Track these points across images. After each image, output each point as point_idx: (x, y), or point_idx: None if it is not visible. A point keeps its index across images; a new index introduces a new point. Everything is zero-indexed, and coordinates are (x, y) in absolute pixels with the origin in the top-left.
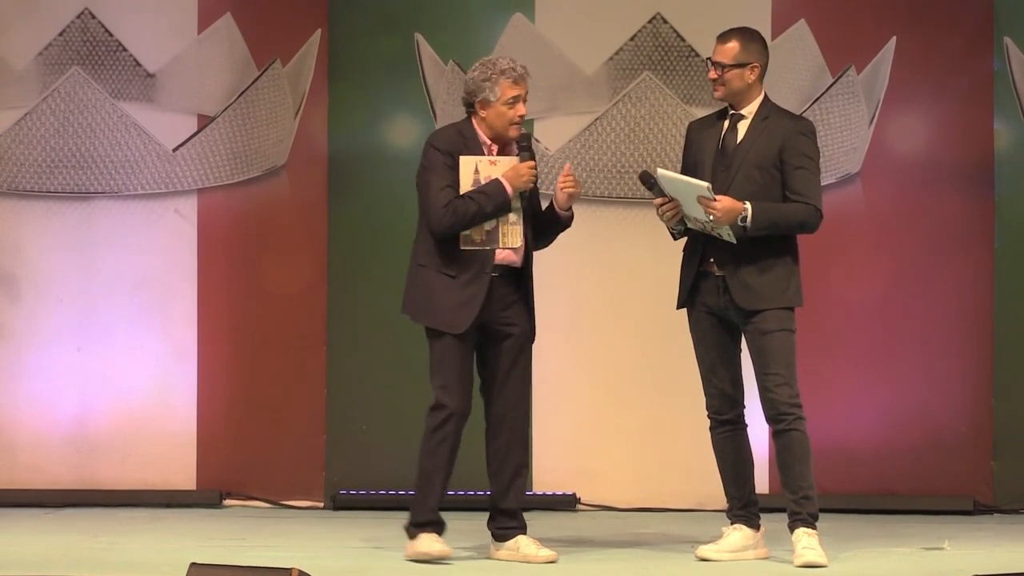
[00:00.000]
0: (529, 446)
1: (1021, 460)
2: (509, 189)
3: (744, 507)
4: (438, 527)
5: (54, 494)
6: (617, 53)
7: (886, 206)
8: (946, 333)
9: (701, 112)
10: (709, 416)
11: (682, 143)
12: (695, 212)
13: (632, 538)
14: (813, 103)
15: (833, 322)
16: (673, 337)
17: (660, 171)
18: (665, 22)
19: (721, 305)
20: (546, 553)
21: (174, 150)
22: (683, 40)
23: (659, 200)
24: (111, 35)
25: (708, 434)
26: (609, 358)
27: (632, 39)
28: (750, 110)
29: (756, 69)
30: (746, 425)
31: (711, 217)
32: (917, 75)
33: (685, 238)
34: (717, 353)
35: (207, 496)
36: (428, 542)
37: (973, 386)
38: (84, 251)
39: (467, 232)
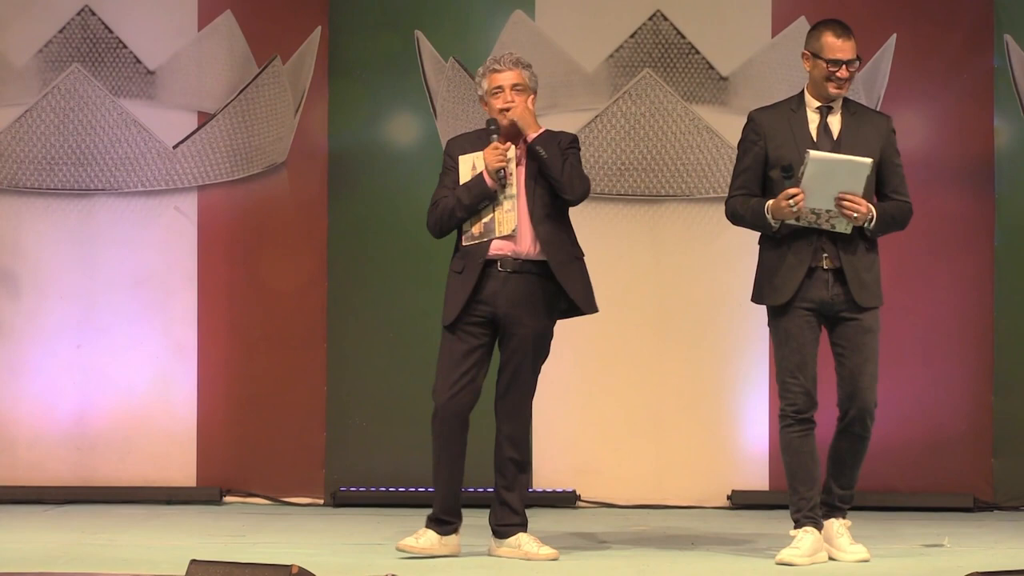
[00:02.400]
0: (529, 447)
1: (1021, 458)
2: (486, 175)
3: (812, 509)
4: (437, 525)
5: (54, 491)
6: (617, 50)
7: None
8: (946, 331)
9: (702, 110)
10: (789, 415)
11: (683, 140)
12: (821, 203)
13: (632, 535)
14: None
15: None
16: (673, 334)
17: (813, 153)
18: (665, 19)
19: (827, 299)
20: (547, 551)
21: (174, 147)
22: (683, 37)
23: (795, 190)
24: (111, 32)
25: (704, 431)
26: (609, 355)
27: (632, 36)
28: (837, 102)
29: None
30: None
31: (856, 216)
32: (917, 72)
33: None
34: (809, 351)
35: (207, 493)
36: (413, 538)
37: (973, 384)
38: (84, 248)
39: (466, 227)
